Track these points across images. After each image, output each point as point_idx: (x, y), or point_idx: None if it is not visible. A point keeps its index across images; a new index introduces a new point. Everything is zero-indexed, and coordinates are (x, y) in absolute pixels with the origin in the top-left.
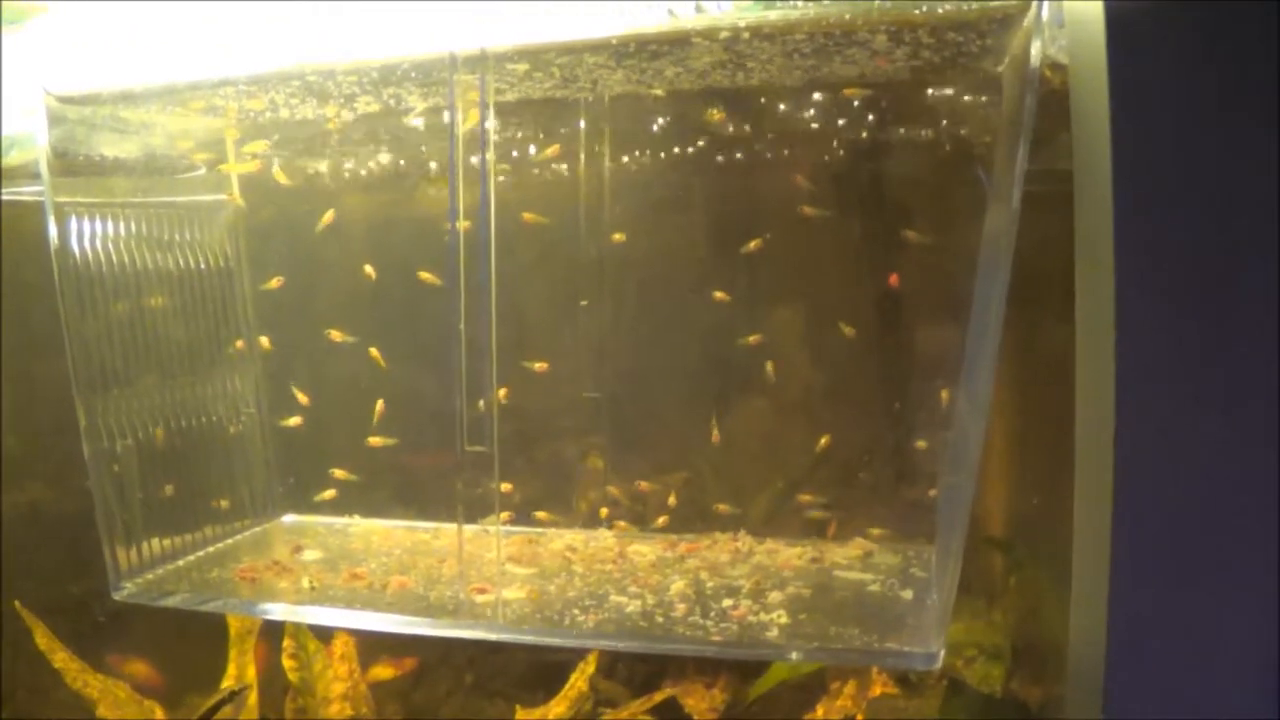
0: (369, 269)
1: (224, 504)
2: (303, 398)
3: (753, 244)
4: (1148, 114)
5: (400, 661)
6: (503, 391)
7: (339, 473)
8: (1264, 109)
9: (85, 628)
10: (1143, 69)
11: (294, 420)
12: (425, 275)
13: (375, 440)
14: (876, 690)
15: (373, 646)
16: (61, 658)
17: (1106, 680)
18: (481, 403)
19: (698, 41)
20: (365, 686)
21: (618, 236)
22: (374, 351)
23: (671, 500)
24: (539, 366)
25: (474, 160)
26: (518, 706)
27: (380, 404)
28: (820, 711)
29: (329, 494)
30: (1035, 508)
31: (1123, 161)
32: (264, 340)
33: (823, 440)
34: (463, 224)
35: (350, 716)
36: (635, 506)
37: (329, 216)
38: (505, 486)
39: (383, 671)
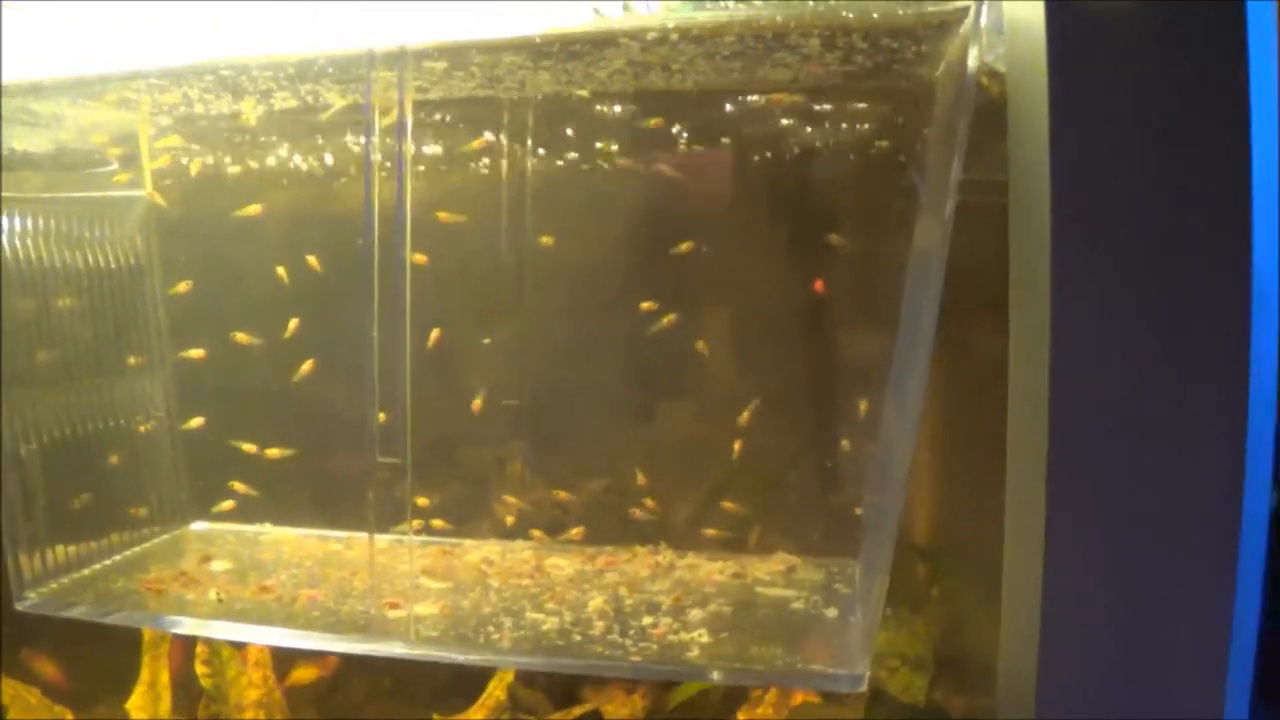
0: (281, 270)
1: (131, 511)
2: (197, 353)
3: (680, 248)
4: (1088, 125)
5: (324, 661)
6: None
7: (239, 485)
8: (1207, 121)
9: None
10: (1084, 79)
11: (197, 421)
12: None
13: (273, 451)
14: (798, 699)
15: (291, 649)
16: None
17: (1038, 691)
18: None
19: (624, 42)
20: (280, 693)
21: (540, 240)
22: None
23: (591, 511)
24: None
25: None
26: (435, 715)
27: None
28: (742, 718)
29: (227, 505)
30: (960, 516)
31: (1060, 173)
32: (195, 351)
33: (743, 450)
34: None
35: None
36: (554, 517)
37: (254, 209)
38: (422, 501)
39: (305, 674)
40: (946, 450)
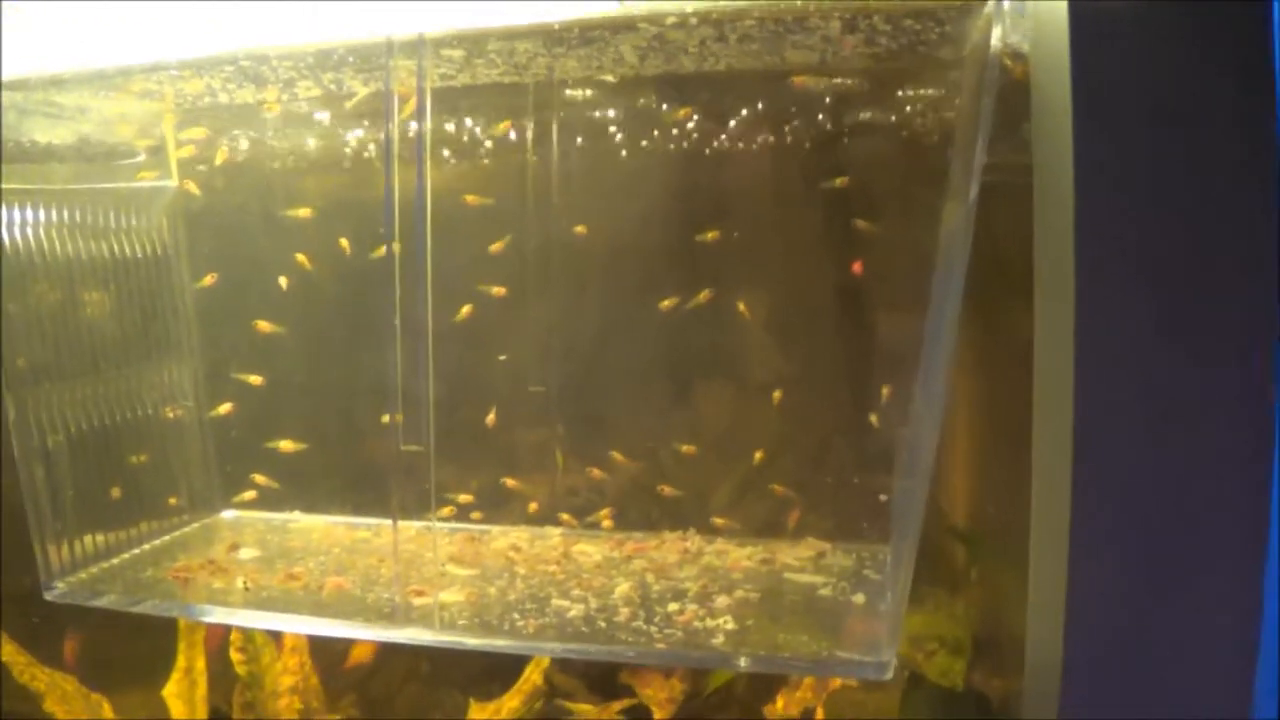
0: (305, 259)
1: (160, 500)
2: (255, 379)
3: (707, 235)
4: (1112, 106)
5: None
6: None
7: (259, 478)
8: (1233, 101)
9: (32, 619)
10: (1108, 59)
11: (225, 407)
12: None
13: (286, 445)
14: (836, 683)
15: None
16: (8, 650)
17: (1064, 677)
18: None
19: (643, 27)
20: (316, 679)
21: (568, 226)
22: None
23: (619, 498)
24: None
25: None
26: (472, 701)
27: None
28: (780, 703)
29: (249, 495)
30: (999, 498)
31: (1085, 155)
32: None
33: (773, 435)
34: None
35: (300, 710)
36: (582, 504)
37: (305, 212)
38: (466, 498)
39: (363, 652)
40: (984, 432)
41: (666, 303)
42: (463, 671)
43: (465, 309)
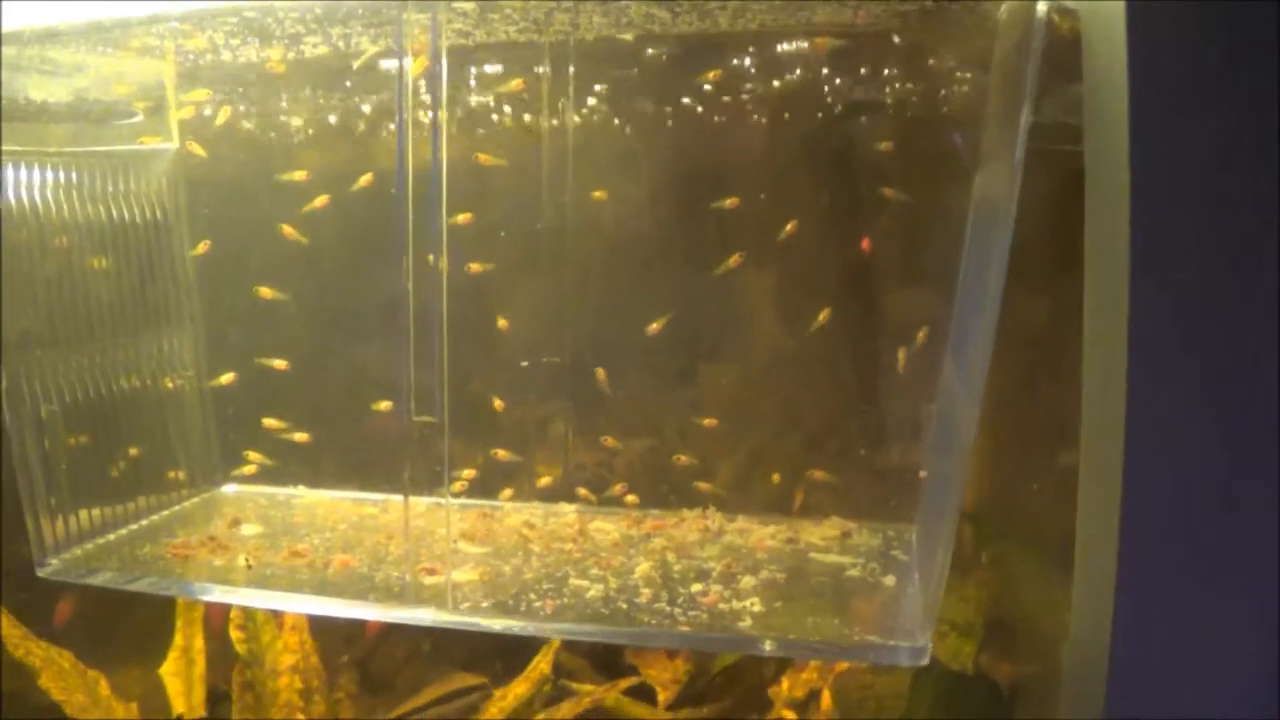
0: (289, 229)
1: (159, 474)
2: (280, 364)
3: (726, 203)
4: (1169, 65)
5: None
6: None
7: (253, 455)
8: None
9: (26, 593)
10: (1165, 13)
11: (227, 377)
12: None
13: (271, 422)
14: (843, 665)
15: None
16: (5, 624)
17: (1110, 675)
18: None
19: None
20: (316, 658)
21: (583, 194)
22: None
23: (637, 474)
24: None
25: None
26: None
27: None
28: (785, 684)
29: (254, 468)
30: (1007, 480)
31: (1141, 120)
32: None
33: (795, 411)
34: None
35: (300, 689)
36: (597, 479)
37: (300, 175)
38: (468, 473)
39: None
40: (994, 413)
41: (691, 271)
42: (464, 650)
43: (476, 266)
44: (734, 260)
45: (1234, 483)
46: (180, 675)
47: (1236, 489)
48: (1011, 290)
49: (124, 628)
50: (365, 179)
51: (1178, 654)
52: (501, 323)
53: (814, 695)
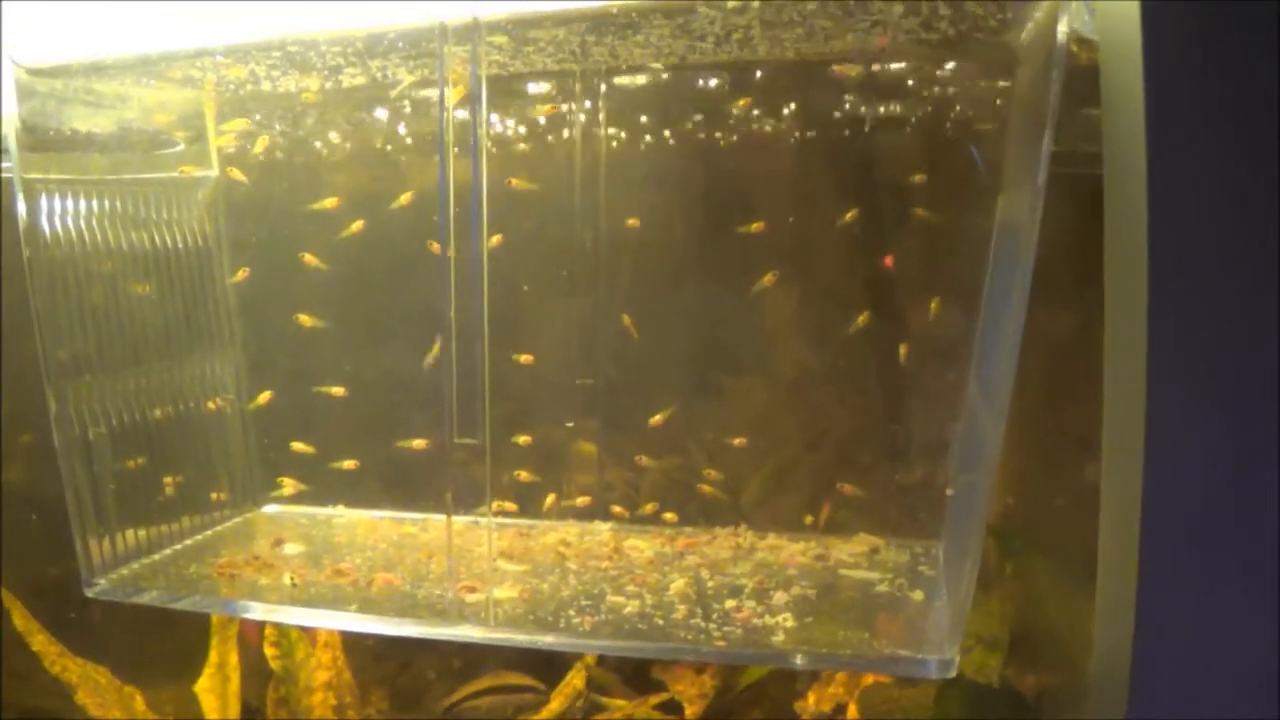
0: (310, 257)
1: (202, 494)
2: (338, 390)
3: (754, 225)
4: (1187, 93)
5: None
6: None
7: (286, 481)
8: None
9: (65, 610)
10: (1182, 44)
11: (264, 397)
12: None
13: (300, 446)
14: (869, 679)
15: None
16: (40, 640)
17: (1133, 686)
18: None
19: (704, 11)
20: (350, 675)
21: (618, 218)
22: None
23: (668, 492)
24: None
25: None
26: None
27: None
28: (812, 699)
29: (293, 489)
30: (1031, 493)
31: (1159, 147)
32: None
33: (823, 430)
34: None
35: (334, 706)
36: (630, 499)
37: (331, 203)
38: (507, 506)
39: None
40: (1018, 427)
41: (721, 291)
42: (498, 664)
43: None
44: (769, 279)
45: (1254, 493)
46: (215, 692)
47: (1256, 499)
48: (1036, 304)
49: (160, 645)
50: (405, 197)
51: (1200, 665)
52: (526, 358)
53: (840, 709)
